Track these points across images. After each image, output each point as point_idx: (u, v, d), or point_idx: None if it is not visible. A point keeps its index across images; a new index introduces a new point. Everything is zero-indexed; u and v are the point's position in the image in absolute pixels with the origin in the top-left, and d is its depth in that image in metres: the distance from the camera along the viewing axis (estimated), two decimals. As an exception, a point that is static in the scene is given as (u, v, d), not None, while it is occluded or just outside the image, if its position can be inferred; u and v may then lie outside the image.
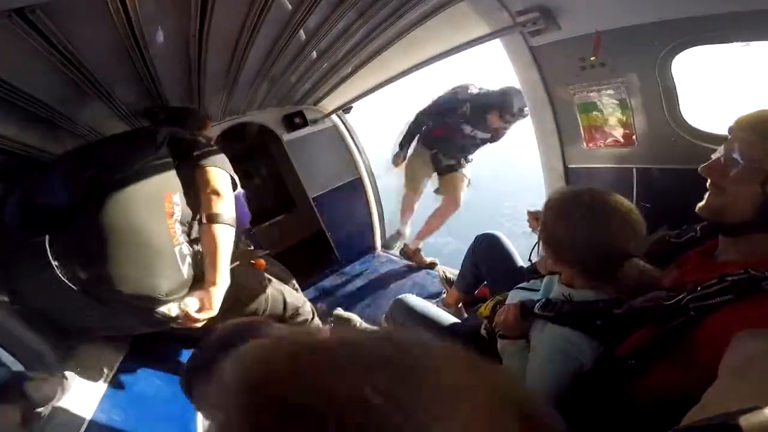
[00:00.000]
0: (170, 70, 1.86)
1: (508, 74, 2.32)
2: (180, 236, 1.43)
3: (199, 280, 1.48)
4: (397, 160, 3.83)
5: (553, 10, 1.81)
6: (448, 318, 1.94)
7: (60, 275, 1.26)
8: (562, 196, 1.30)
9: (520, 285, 1.60)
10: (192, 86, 2.14)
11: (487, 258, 2.24)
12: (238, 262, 1.81)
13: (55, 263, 1.26)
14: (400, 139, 3.78)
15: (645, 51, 1.69)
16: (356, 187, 4.16)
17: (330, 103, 3.73)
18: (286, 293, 2.08)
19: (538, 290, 1.46)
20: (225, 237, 1.48)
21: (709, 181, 1.06)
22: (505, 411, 0.35)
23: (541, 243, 1.36)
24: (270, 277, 2.02)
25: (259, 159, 4.47)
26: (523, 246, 2.22)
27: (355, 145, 4.11)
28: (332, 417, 0.29)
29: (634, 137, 1.93)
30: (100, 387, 1.55)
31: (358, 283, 3.75)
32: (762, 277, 0.86)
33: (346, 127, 4.05)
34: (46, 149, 1.68)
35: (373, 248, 4.30)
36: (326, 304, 3.34)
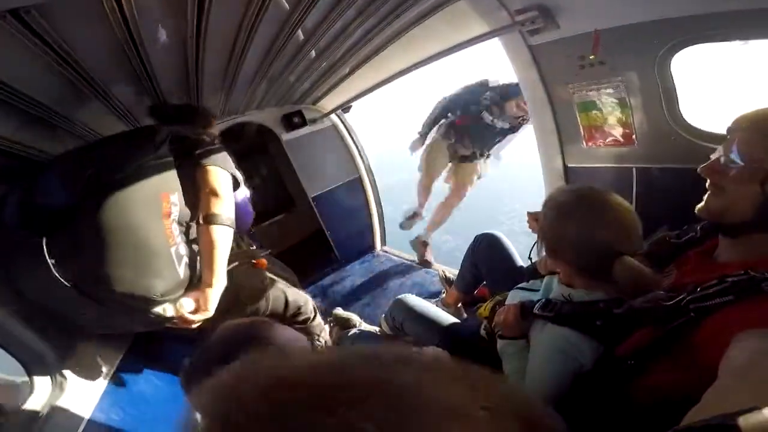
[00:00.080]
0: (168, 70, 1.85)
1: (508, 73, 2.32)
2: (177, 236, 1.42)
3: (197, 280, 1.48)
4: (415, 145, 3.97)
5: (552, 9, 1.80)
6: (447, 318, 1.94)
7: (56, 274, 1.26)
8: (559, 195, 1.30)
9: (519, 285, 1.60)
10: (190, 86, 2.14)
11: (487, 258, 2.24)
12: (238, 262, 1.82)
13: (51, 262, 1.26)
14: (423, 125, 3.90)
15: (644, 50, 1.68)
16: (356, 186, 4.16)
17: (329, 103, 3.72)
18: (288, 292, 2.08)
19: (537, 290, 1.46)
20: (222, 238, 1.47)
21: (708, 181, 1.06)
22: (505, 423, 0.34)
23: (540, 243, 1.36)
24: (272, 277, 2.02)
25: (258, 159, 4.46)
26: (522, 245, 2.22)
27: (355, 144, 4.10)
28: None
29: (633, 136, 1.93)
30: (99, 386, 1.55)
31: (358, 282, 3.75)
32: (762, 278, 0.86)
33: (345, 127, 4.04)
34: (44, 149, 1.67)
35: (372, 248, 4.29)
36: (325, 304, 3.34)
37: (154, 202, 1.38)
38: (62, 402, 1.38)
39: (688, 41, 1.59)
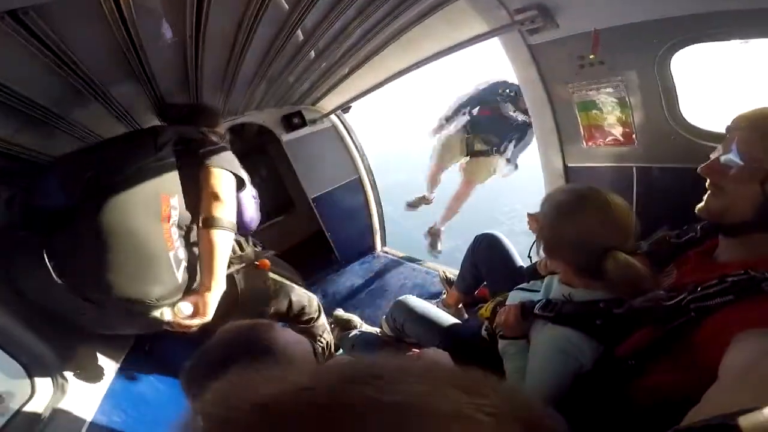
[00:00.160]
0: (167, 71, 1.85)
1: (507, 73, 2.31)
2: (176, 241, 1.41)
3: (196, 284, 1.48)
4: (435, 130, 4.14)
5: (552, 9, 1.80)
6: (448, 319, 1.94)
7: (54, 276, 1.25)
8: (557, 194, 1.32)
9: (520, 286, 1.60)
10: (189, 86, 2.14)
11: (487, 258, 2.24)
12: (243, 264, 1.81)
13: (50, 264, 1.26)
14: (446, 113, 4.05)
15: (644, 49, 1.68)
16: (355, 187, 4.15)
17: (328, 103, 3.72)
18: (291, 293, 2.09)
19: (538, 291, 1.47)
20: (222, 242, 1.46)
21: (708, 180, 1.06)
22: (508, 427, 0.34)
23: (538, 242, 1.37)
24: (275, 278, 2.01)
25: (258, 159, 4.45)
26: (522, 245, 2.22)
27: (354, 144, 4.10)
28: None
29: (633, 136, 1.92)
30: (101, 389, 1.55)
31: (358, 283, 3.74)
32: (762, 277, 0.86)
33: (345, 127, 4.04)
34: (43, 151, 1.67)
35: (372, 248, 4.29)
36: (326, 305, 3.33)
37: (154, 206, 1.37)
38: (64, 404, 1.37)
39: (688, 40, 1.58)
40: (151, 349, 1.91)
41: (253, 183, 1.82)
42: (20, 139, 1.53)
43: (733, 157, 0.97)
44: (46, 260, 1.26)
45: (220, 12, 1.35)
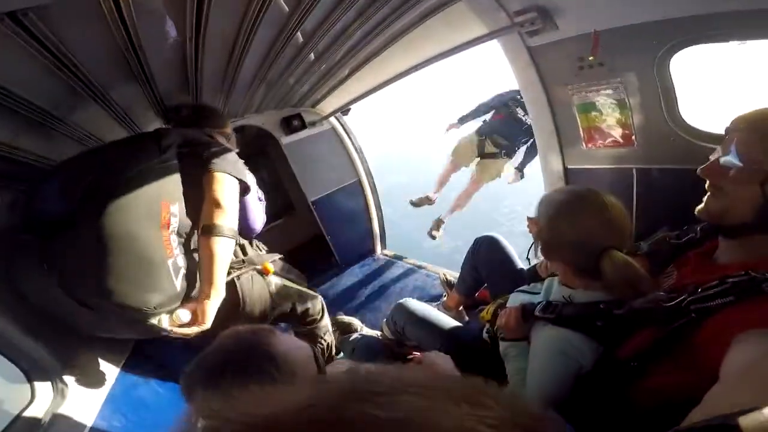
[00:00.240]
0: (167, 73, 1.85)
1: (507, 75, 2.32)
2: (175, 248, 1.39)
3: (195, 291, 1.47)
4: (450, 126, 4.33)
5: (551, 10, 1.80)
6: (449, 322, 1.94)
7: (53, 280, 1.25)
8: (554, 195, 1.33)
9: (520, 288, 1.61)
10: (189, 88, 2.14)
11: (487, 261, 2.24)
12: (245, 269, 1.81)
13: (49, 268, 1.25)
14: (465, 114, 4.25)
15: (643, 50, 1.68)
16: (355, 189, 4.15)
17: (328, 105, 3.72)
18: (294, 295, 2.09)
19: (538, 293, 1.47)
20: (221, 250, 1.45)
21: (707, 182, 1.06)
22: None
23: (536, 243, 1.38)
24: (278, 281, 2.01)
25: (258, 162, 4.44)
26: (521, 246, 2.22)
27: (354, 147, 4.10)
28: None
29: (633, 137, 1.92)
30: (101, 393, 1.54)
31: (358, 286, 3.74)
32: (762, 278, 0.86)
33: (345, 129, 4.04)
34: (43, 154, 1.67)
35: (372, 251, 4.28)
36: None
37: (153, 212, 1.35)
38: (64, 409, 1.36)
39: (687, 42, 1.59)
40: (151, 353, 1.91)
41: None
42: (21, 143, 1.53)
43: (732, 158, 0.97)
44: (44, 264, 1.25)
45: (220, 13, 1.35)
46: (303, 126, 3.75)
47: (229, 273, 1.74)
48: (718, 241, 1.12)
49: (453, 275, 2.93)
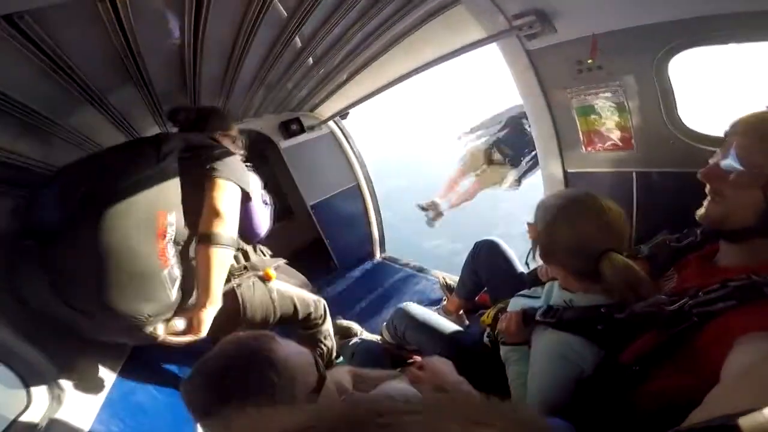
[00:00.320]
0: (165, 76, 1.84)
1: (506, 78, 2.31)
2: (171, 258, 1.37)
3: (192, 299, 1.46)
4: (462, 136, 4.50)
5: (550, 14, 1.80)
6: (449, 326, 1.93)
7: (48, 287, 1.24)
8: (551, 200, 1.33)
9: (520, 292, 1.61)
10: (188, 92, 2.13)
11: (487, 265, 2.24)
12: (245, 276, 1.80)
13: (46, 275, 1.24)
14: (476, 124, 4.42)
15: (642, 53, 1.68)
16: (354, 193, 4.15)
17: (327, 110, 3.72)
18: (296, 300, 2.08)
19: (538, 297, 1.47)
20: (219, 260, 1.42)
21: (708, 186, 1.05)
22: None
23: (534, 248, 1.38)
24: (279, 288, 2.01)
25: (256, 166, 4.42)
26: (519, 248, 2.23)
27: (353, 151, 4.10)
28: None
29: (632, 140, 1.92)
30: (98, 398, 1.53)
31: (358, 290, 3.73)
32: (764, 282, 0.87)
33: (344, 134, 4.04)
34: (44, 160, 1.66)
35: (371, 255, 4.27)
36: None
37: (149, 222, 1.33)
38: (61, 414, 1.35)
39: (686, 44, 1.58)
40: (149, 358, 1.89)
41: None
42: (19, 147, 1.52)
43: (732, 162, 0.97)
44: (43, 272, 1.24)
45: (218, 17, 1.35)
46: (302, 130, 3.75)
47: (229, 280, 1.73)
48: (718, 244, 1.12)
49: (452, 279, 2.92)
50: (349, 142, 4.07)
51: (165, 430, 1.68)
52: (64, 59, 1.24)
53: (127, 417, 1.58)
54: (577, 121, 2.08)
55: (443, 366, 1.49)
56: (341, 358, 2.47)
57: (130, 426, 1.58)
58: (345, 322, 2.90)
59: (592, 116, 2.00)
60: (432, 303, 3.05)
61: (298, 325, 2.20)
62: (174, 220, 1.38)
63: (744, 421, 0.42)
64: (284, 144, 3.73)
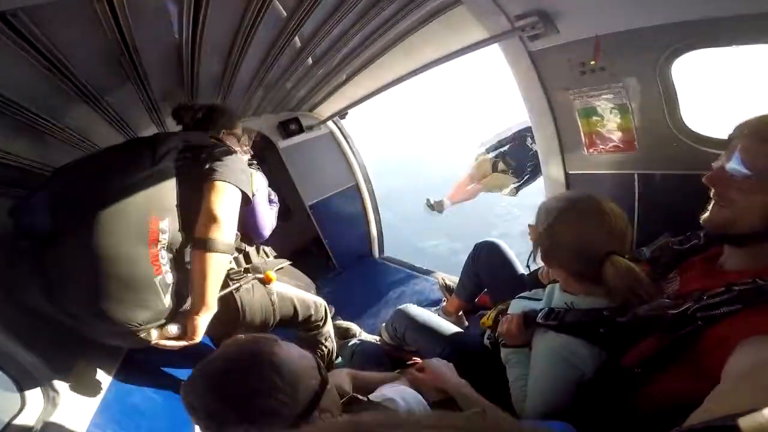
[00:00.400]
0: (162, 76, 1.83)
1: (507, 80, 2.30)
2: (164, 265, 1.33)
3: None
4: (479, 155, 4.82)
5: (552, 15, 1.79)
6: (450, 328, 1.93)
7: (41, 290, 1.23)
8: (553, 202, 1.33)
9: (521, 294, 1.61)
10: (186, 92, 2.12)
11: (487, 266, 2.24)
12: (245, 279, 1.78)
13: (38, 279, 1.22)
14: (490, 145, 4.75)
15: (645, 54, 1.67)
16: (353, 193, 4.15)
17: (326, 109, 3.72)
18: (296, 302, 2.07)
19: (539, 299, 1.47)
20: (214, 266, 1.38)
21: (713, 190, 1.04)
22: None
23: (535, 249, 1.38)
24: (280, 290, 1.99)
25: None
26: (517, 247, 2.24)
27: (352, 151, 4.09)
28: None
29: (635, 142, 1.91)
30: (94, 401, 1.51)
31: (356, 290, 3.72)
32: None
33: (342, 133, 4.04)
34: (37, 160, 1.65)
35: (370, 255, 4.27)
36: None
37: (141, 229, 1.29)
38: (56, 417, 1.33)
39: (690, 46, 1.57)
40: (145, 360, 1.88)
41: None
42: (14, 147, 1.50)
43: (737, 165, 0.96)
44: (36, 274, 1.22)
45: (217, 16, 1.34)
46: (300, 130, 3.75)
47: (228, 284, 1.72)
48: (722, 246, 1.11)
49: (452, 279, 2.91)
50: (347, 142, 4.07)
51: None
52: (58, 57, 1.23)
53: (123, 419, 1.56)
54: (579, 122, 2.07)
55: (444, 368, 1.49)
56: (340, 359, 2.46)
57: (127, 429, 1.56)
58: (344, 323, 2.90)
59: (594, 118, 1.99)
60: (431, 303, 3.04)
61: (298, 327, 2.19)
62: (167, 227, 1.34)
63: (744, 422, 0.43)
64: (283, 144, 3.72)
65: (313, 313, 2.15)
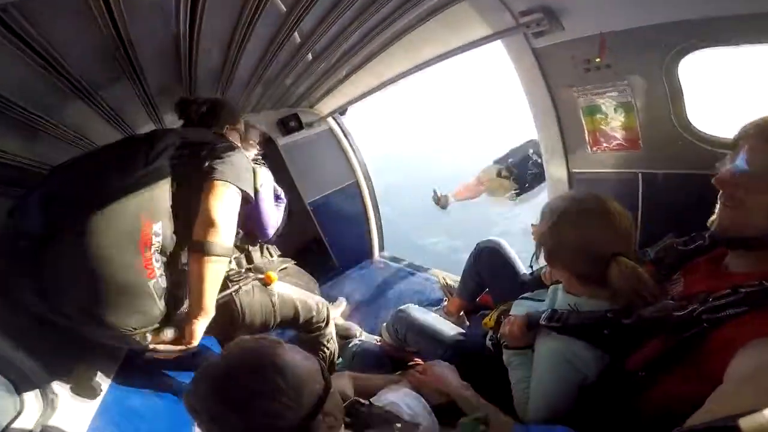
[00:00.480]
0: (160, 71, 1.81)
1: (510, 77, 2.29)
2: (157, 269, 1.30)
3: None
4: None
5: (557, 11, 1.77)
6: (451, 329, 1.93)
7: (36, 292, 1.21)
8: (557, 202, 1.32)
9: (524, 295, 1.61)
10: (184, 87, 2.10)
11: (489, 266, 2.23)
12: (245, 281, 1.77)
13: (31, 282, 1.21)
14: (500, 157, 4.71)
15: (651, 53, 1.66)
16: (353, 191, 4.13)
17: (325, 106, 3.70)
18: (298, 303, 2.05)
19: (542, 300, 1.47)
20: (212, 270, 1.35)
21: (720, 192, 1.02)
22: None
23: (539, 250, 1.37)
24: (281, 291, 1.98)
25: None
26: (517, 246, 2.23)
27: (352, 148, 4.07)
28: None
29: (639, 141, 1.90)
30: (93, 403, 1.51)
31: (356, 290, 3.71)
32: None
33: (342, 130, 4.01)
34: (34, 158, 1.63)
35: (371, 254, 4.26)
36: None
37: (134, 232, 1.25)
38: (54, 421, 1.32)
39: (696, 45, 1.56)
40: (143, 361, 1.87)
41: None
42: (9, 146, 1.49)
43: (745, 166, 0.95)
44: (32, 277, 1.21)
45: (216, 11, 1.32)
46: (300, 127, 3.72)
47: (228, 286, 1.70)
48: (727, 248, 1.10)
49: (452, 279, 2.91)
50: (347, 139, 4.04)
51: None
52: (51, 53, 1.21)
53: (122, 422, 1.56)
54: (583, 120, 2.06)
55: (446, 370, 1.48)
56: (340, 360, 2.45)
57: (126, 431, 1.55)
58: (344, 323, 2.90)
59: (599, 115, 1.98)
60: (432, 303, 3.03)
61: (300, 329, 2.17)
62: (161, 230, 1.31)
63: (744, 422, 0.43)
64: (282, 141, 3.70)
65: (315, 314, 2.13)
